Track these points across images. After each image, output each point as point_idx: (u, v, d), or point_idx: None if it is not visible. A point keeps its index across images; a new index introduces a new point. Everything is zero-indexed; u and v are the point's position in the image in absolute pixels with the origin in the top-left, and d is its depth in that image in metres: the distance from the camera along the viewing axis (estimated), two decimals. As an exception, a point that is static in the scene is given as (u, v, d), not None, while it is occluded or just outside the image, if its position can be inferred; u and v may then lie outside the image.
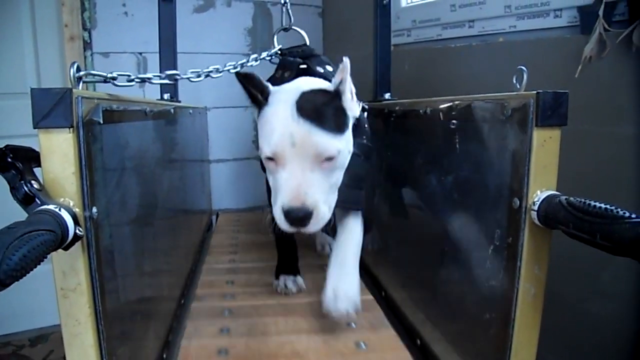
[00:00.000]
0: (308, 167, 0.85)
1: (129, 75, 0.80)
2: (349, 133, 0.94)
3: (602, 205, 0.54)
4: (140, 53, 2.26)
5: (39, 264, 0.46)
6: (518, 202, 0.66)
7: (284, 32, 1.35)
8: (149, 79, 0.89)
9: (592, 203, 0.55)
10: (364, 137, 1.07)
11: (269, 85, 0.95)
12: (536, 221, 0.64)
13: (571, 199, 0.58)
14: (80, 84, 0.67)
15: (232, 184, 2.36)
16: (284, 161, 0.85)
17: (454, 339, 0.90)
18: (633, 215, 0.50)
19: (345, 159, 0.93)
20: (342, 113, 0.92)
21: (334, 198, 0.92)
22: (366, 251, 1.49)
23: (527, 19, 1.54)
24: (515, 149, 0.67)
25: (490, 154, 0.75)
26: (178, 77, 0.94)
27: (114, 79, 0.75)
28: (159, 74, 0.92)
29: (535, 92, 0.63)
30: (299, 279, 1.27)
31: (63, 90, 0.56)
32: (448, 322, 0.93)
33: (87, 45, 2.20)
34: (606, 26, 1.29)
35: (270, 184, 0.92)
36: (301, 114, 0.85)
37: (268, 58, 1.23)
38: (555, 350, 1.44)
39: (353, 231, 1.09)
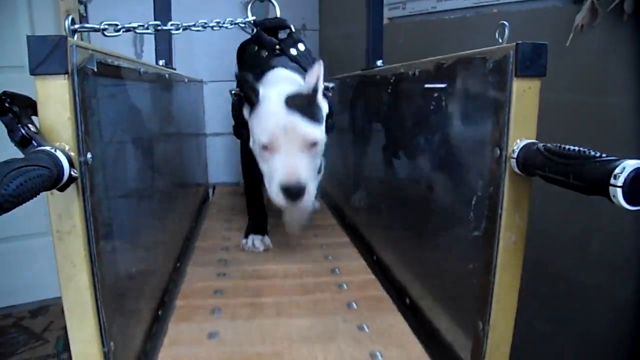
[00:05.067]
0: (298, 151, 1.02)
1: (116, 25, 0.92)
2: (323, 126, 1.10)
3: (575, 148, 0.56)
4: (137, 27, 2.26)
5: (35, 196, 0.48)
6: (499, 152, 0.68)
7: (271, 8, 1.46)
8: (134, 28, 1.03)
9: (567, 147, 0.57)
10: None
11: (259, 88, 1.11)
12: (516, 169, 0.66)
13: (548, 145, 0.61)
14: (75, 36, 0.69)
15: (229, 158, 2.37)
16: (278, 147, 1.02)
17: (440, 293, 0.93)
18: (604, 155, 0.53)
19: (322, 147, 1.09)
20: (318, 108, 1.10)
21: (316, 181, 1.08)
22: (357, 215, 1.53)
23: (521, -10, 1.55)
24: (496, 100, 0.69)
25: (474, 108, 0.77)
26: (160, 27, 1.10)
27: (104, 29, 0.87)
28: (142, 24, 1.08)
29: (514, 43, 0.65)
30: (267, 239, 1.39)
31: (58, 37, 0.58)
32: (434, 277, 0.96)
33: (82, 18, 2.20)
34: (598, -6, 1.30)
35: (264, 170, 1.08)
36: (290, 108, 1.04)
37: (243, 25, 1.34)
38: (544, 317, 1.48)
39: None
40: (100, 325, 0.67)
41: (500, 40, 0.70)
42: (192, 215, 1.61)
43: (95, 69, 0.64)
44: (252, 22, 1.39)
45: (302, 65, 1.30)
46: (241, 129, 1.28)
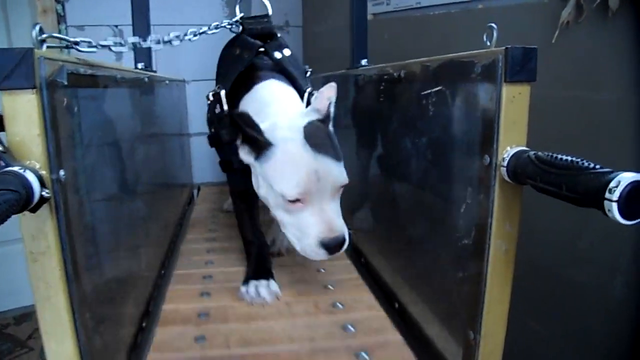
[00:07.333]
0: (330, 198, 0.90)
1: (89, 42, 0.78)
2: None
3: (568, 158, 0.54)
4: (116, 25, 2.21)
5: (4, 222, 0.46)
6: (488, 159, 0.66)
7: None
8: (109, 46, 0.89)
9: (559, 156, 0.55)
10: None
11: (259, 124, 0.91)
12: (506, 177, 0.64)
13: (539, 153, 0.59)
14: (44, 46, 0.66)
15: (214, 158, 2.34)
16: (309, 199, 0.88)
17: (430, 300, 0.91)
18: (597, 166, 0.51)
19: None
20: (336, 140, 0.95)
21: None
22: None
23: (506, -15, 1.53)
24: (485, 106, 0.67)
25: (461, 113, 0.75)
26: (139, 44, 0.95)
27: (76, 43, 0.73)
28: (119, 41, 0.92)
29: (503, 47, 0.63)
30: (273, 284, 1.10)
31: (24, 50, 0.55)
32: (424, 283, 0.94)
33: (60, 18, 2.15)
34: (583, -9, 1.29)
35: (286, 221, 0.92)
36: (315, 149, 0.88)
37: (229, 27, 1.19)
38: (537, 316, 1.47)
39: None
40: (79, 347, 0.64)
41: (489, 44, 0.68)
42: (176, 219, 1.58)
43: (66, 82, 0.60)
44: (239, 21, 1.21)
45: (288, 70, 1.14)
46: (230, 155, 1.08)
